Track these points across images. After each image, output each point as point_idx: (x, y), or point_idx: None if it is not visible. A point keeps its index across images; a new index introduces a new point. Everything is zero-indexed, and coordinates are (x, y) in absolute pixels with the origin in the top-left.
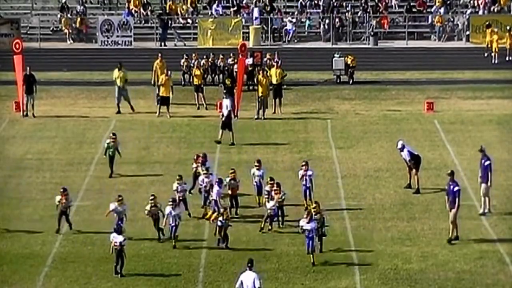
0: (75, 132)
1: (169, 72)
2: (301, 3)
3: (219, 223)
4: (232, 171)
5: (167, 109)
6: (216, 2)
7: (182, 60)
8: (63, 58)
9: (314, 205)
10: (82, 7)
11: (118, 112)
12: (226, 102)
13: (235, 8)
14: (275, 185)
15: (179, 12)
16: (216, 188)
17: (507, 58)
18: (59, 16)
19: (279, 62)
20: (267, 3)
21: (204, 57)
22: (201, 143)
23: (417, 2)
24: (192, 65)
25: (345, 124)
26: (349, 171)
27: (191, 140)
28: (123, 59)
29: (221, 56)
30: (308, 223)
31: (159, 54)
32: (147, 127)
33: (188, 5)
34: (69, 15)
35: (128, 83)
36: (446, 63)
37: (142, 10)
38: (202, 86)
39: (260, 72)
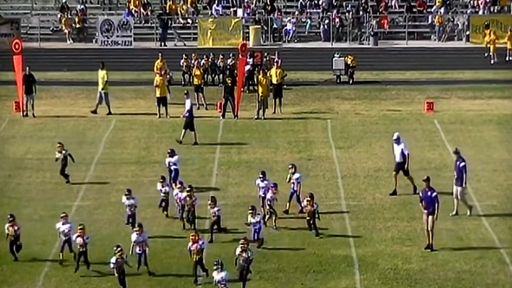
0: (75, 132)
1: (167, 71)
2: (301, 3)
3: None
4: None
5: (166, 110)
6: (216, 2)
7: (182, 60)
8: (63, 58)
9: (308, 198)
10: (82, 7)
11: (94, 111)
12: (188, 102)
13: (235, 8)
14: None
15: (179, 12)
16: (270, 193)
17: (507, 58)
18: (59, 16)
19: (280, 62)
20: (267, 3)
21: (204, 57)
22: (201, 143)
23: (417, 2)
24: (192, 65)
25: (345, 124)
26: (349, 171)
27: (191, 140)
28: (123, 59)
29: (221, 56)
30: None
31: (160, 54)
32: (147, 127)
33: (188, 5)
34: (69, 15)
35: (108, 83)
36: (446, 63)
37: (142, 10)
38: (202, 86)
39: (260, 72)
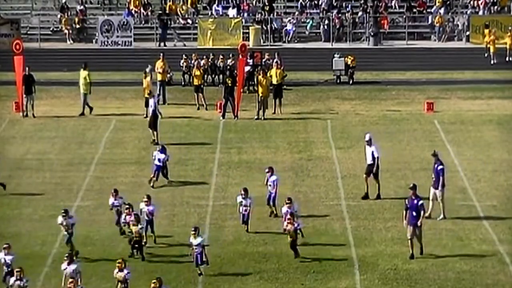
0: (75, 132)
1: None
2: (301, 3)
3: None
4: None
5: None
6: (216, 2)
7: (182, 61)
8: (63, 58)
9: (289, 217)
10: (81, 7)
11: (82, 114)
12: (151, 101)
13: (235, 9)
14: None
15: (179, 13)
16: (285, 208)
17: (507, 59)
18: (59, 16)
19: (280, 62)
20: (267, 3)
21: (204, 57)
22: (201, 143)
23: (417, 2)
24: (192, 65)
25: (345, 124)
26: (349, 171)
27: (191, 140)
28: (123, 59)
29: (221, 57)
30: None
31: (161, 55)
32: (147, 127)
33: (188, 6)
34: (69, 16)
35: (91, 85)
36: (446, 63)
37: (142, 11)
38: (202, 86)
39: (260, 72)
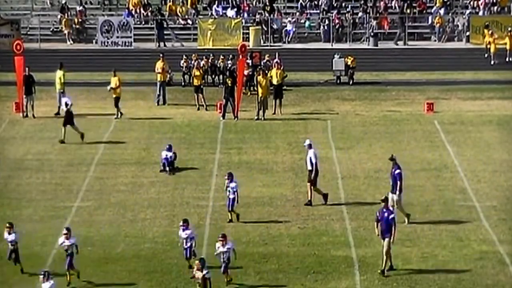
0: (75, 132)
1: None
2: (301, 3)
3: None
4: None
5: (118, 110)
6: (216, 2)
7: (182, 61)
8: (63, 58)
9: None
10: (81, 7)
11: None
12: (65, 99)
13: (235, 9)
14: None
15: (179, 13)
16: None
17: (507, 59)
18: (59, 16)
19: (280, 62)
20: (267, 4)
21: (204, 57)
22: (201, 144)
23: (417, 3)
24: (192, 65)
25: (345, 124)
26: (349, 172)
27: (191, 141)
28: (123, 60)
29: (221, 57)
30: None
31: (161, 55)
32: (147, 128)
33: (188, 6)
34: (69, 16)
35: (65, 84)
36: (446, 63)
37: (142, 11)
38: (202, 87)
39: (260, 73)
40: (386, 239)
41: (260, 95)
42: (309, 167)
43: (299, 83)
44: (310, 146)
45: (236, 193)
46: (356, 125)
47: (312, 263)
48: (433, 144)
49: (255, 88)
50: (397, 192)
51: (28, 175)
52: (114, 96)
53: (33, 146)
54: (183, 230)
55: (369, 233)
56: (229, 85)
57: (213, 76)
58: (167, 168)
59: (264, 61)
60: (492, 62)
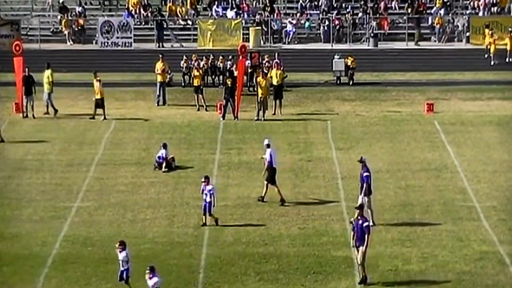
0: (75, 133)
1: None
2: (301, 4)
3: None
4: None
5: (103, 111)
6: (216, 3)
7: (182, 61)
8: (63, 59)
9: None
10: (81, 8)
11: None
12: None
13: (235, 10)
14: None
15: (179, 14)
16: None
17: (507, 59)
18: (59, 17)
19: (280, 63)
20: (267, 4)
21: (204, 58)
22: (201, 144)
23: (417, 3)
24: (192, 66)
25: (345, 125)
26: (349, 172)
27: (191, 141)
28: (123, 60)
29: (220, 58)
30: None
31: (160, 56)
32: (147, 128)
33: (188, 7)
34: (69, 17)
35: (53, 84)
36: (446, 64)
37: (142, 11)
38: (201, 87)
39: (260, 73)
40: (361, 248)
41: (260, 95)
42: (267, 165)
43: (299, 84)
44: (268, 146)
45: (212, 196)
46: (356, 125)
47: (312, 263)
48: (433, 144)
49: (255, 89)
50: (362, 194)
51: (28, 175)
52: (96, 97)
53: (33, 146)
54: (150, 278)
55: None
56: (229, 85)
57: (213, 77)
58: (163, 167)
59: (264, 61)
60: (492, 63)
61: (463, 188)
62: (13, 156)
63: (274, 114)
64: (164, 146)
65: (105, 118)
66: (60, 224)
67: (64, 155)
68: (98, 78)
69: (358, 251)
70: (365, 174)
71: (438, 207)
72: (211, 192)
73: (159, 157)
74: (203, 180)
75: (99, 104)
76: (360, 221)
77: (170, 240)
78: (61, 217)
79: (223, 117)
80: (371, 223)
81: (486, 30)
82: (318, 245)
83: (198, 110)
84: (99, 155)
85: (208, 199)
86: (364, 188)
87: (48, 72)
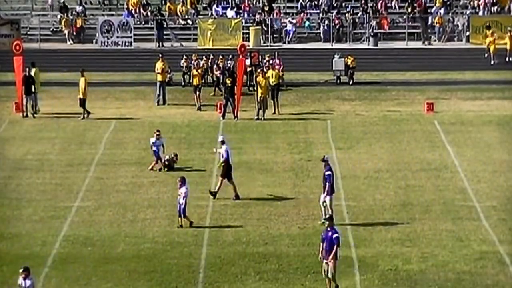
0: (75, 132)
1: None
2: (301, 3)
3: None
4: None
5: (83, 111)
6: (216, 2)
7: (182, 61)
8: (63, 58)
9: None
10: (81, 8)
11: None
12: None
13: (235, 9)
14: None
15: (178, 13)
16: None
17: (507, 59)
18: (59, 17)
19: (279, 62)
20: (267, 4)
21: (204, 57)
22: (201, 144)
23: (417, 3)
24: (192, 65)
25: (345, 124)
26: (349, 172)
27: (191, 141)
28: (123, 60)
29: (220, 57)
30: None
31: (160, 55)
32: (147, 128)
33: (188, 6)
34: (69, 16)
35: (39, 84)
36: (446, 64)
37: (142, 11)
38: (200, 86)
39: (260, 73)
40: (331, 261)
41: (259, 95)
42: (222, 161)
43: (299, 83)
44: (223, 143)
45: (185, 198)
46: (356, 125)
47: (312, 263)
48: (433, 144)
49: (255, 88)
50: (325, 194)
51: (28, 175)
52: (80, 97)
53: (33, 146)
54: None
55: (369, 233)
56: (229, 85)
57: (213, 76)
58: (162, 162)
59: (265, 61)
60: (492, 62)
61: (463, 188)
62: (13, 156)
63: (274, 113)
64: (158, 135)
65: (83, 118)
66: (60, 224)
67: (64, 155)
68: (84, 77)
69: (326, 263)
70: (327, 173)
71: (438, 207)
72: (184, 194)
73: (154, 145)
74: (179, 179)
75: (81, 103)
76: (330, 233)
77: (170, 240)
78: (61, 217)
79: (223, 116)
80: (322, 220)
81: (487, 31)
82: (318, 245)
83: (198, 109)
84: (99, 155)
85: (181, 201)
86: (327, 187)
87: (33, 71)
